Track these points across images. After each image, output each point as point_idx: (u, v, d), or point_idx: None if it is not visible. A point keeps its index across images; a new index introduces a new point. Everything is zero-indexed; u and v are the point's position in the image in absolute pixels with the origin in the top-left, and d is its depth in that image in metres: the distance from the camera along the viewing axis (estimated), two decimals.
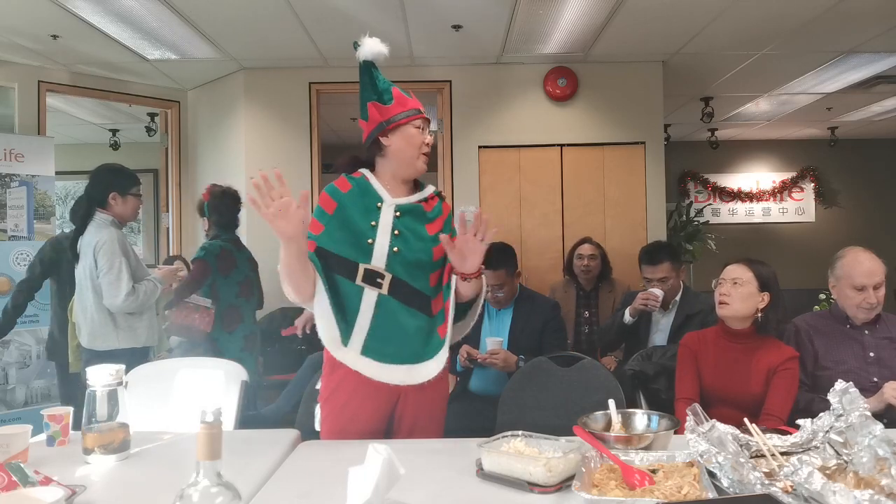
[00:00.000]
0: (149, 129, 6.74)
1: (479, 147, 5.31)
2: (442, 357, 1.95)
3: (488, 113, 5.34)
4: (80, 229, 3.23)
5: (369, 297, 1.91)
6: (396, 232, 1.93)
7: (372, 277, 1.90)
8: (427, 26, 4.45)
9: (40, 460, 1.64)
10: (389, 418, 1.99)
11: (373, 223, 1.92)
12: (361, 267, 1.90)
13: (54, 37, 4.48)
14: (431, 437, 1.99)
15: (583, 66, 5.28)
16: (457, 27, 4.49)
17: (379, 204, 1.96)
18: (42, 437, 1.81)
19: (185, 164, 5.84)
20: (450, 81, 5.31)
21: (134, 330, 3.18)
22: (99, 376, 1.68)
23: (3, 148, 4.70)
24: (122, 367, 1.73)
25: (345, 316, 1.91)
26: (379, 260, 1.91)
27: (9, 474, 1.34)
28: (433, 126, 1.83)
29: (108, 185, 3.21)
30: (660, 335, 3.43)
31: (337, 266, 1.91)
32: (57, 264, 3.78)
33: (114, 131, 7.37)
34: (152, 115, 6.55)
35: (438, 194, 2.10)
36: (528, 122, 5.33)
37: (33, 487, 1.32)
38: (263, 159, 5.32)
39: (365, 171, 2.03)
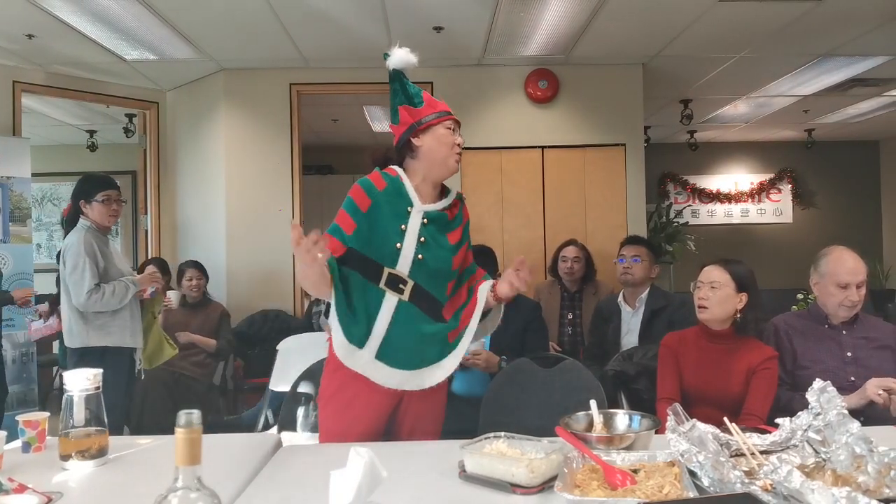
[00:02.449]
0: (127, 131, 6.66)
1: (462, 148, 5.31)
2: (451, 361, 1.98)
3: (470, 115, 5.34)
4: (65, 236, 3.34)
5: (390, 301, 1.91)
6: (422, 239, 1.93)
7: (395, 283, 1.90)
8: (408, 28, 4.45)
9: (15, 467, 1.61)
10: (390, 419, 1.99)
11: (402, 227, 1.92)
12: (385, 271, 1.90)
13: (30, 36, 4.41)
14: (431, 438, 2.00)
15: (564, 69, 5.31)
16: (438, 29, 4.50)
17: (409, 208, 1.96)
18: (17, 443, 1.78)
19: (164, 166, 5.78)
20: (431, 83, 5.30)
21: (105, 329, 3.22)
22: (76, 381, 1.65)
23: None
24: (100, 371, 1.70)
25: (359, 320, 1.91)
26: (403, 266, 1.91)
27: None
28: None
29: (77, 193, 3.31)
30: (631, 335, 3.48)
31: (362, 267, 1.91)
32: None
33: (91, 132, 7.28)
34: (130, 117, 6.47)
35: (460, 197, 2.11)
36: (510, 123, 5.35)
37: (7, 496, 1.30)
38: (244, 161, 5.29)
39: (399, 171, 2.02)
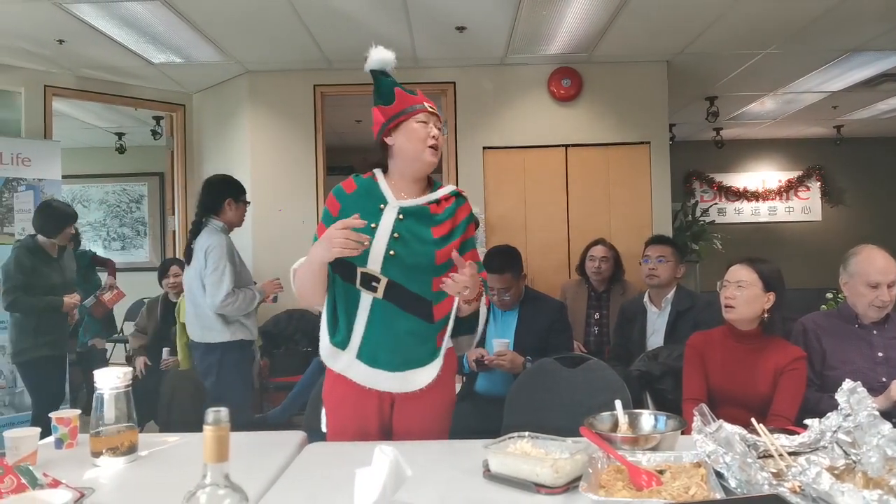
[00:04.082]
0: (154, 133, 6.76)
1: (484, 148, 5.31)
2: (434, 366, 1.94)
3: (493, 114, 5.34)
4: (194, 233, 3.48)
5: (365, 300, 1.90)
6: (396, 235, 1.90)
7: (368, 281, 1.89)
8: (431, 28, 4.46)
9: (49, 463, 1.65)
10: (388, 419, 1.98)
11: (373, 225, 1.90)
12: (358, 270, 1.89)
13: (60, 41, 4.50)
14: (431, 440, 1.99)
15: (587, 67, 5.27)
16: (460, 29, 4.50)
17: (382, 206, 1.94)
18: (50, 439, 1.82)
19: (191, 168, 5.86)
20: (454, 83, 5.31)
21: (243, 324, 3.45)
22: (107, 379, 1.68)
23: (10, 152, 4.73)
24: (130, 369, 1.73)
25: (341, 322, 1.93)
26: (375, 263, 1.89)
27: (18, 477, 1.35)
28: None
29: (223, 193, 3.47)
30: (656, 335, 3.44)
31: (340, 269, 1.91)
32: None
33: (119, 135, 7.40)
34: (158, 119, 6.57)
35: (458, 195, 2.05)
36: (533, 122, 5.33)
37: (42, 490, 1.33)
38: (269, 162, 5.34)
39: (376, 171, 2.02)
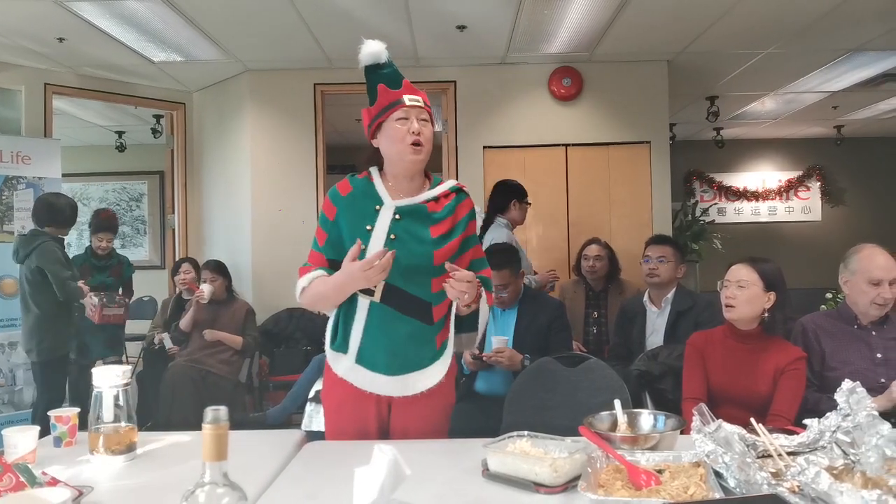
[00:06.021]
0: (154, 131, 6.76)
1: (484, 147, 5.31)
2: (438, 368, 1.91)
3: (493, 113, 5.34)
4: (484, 228, 3.89)
5: (363, 305, 1.87)
6: (393, 236, 1.85)
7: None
8: (432, 27, 4.46)
9: (47, 461, 1.65)
10: (386, 421, 1.96)
11: (368, 227, 1.86)
12: None
13: (60, 39, 4.50)
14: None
15: (588, 66, 5.27)
16: (461, 28, 4.50)
17: (378, 206, 1.89)
18: (49, 438, 1.82)
19: (191, 166, 5.86)
20: (454, 82, 5.31)
21: None
22: (106, 377, 1.68)
23: (10, 150, 4.73)
24: (129, 368, 1.73)
25: (340, 326, 1.91)
26: None
27: (17, 475, 1.34)
28: (438, 126, 1.70)
29: (509, 195, 4.00)
30: (656, 335, 3.44)
31: None
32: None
33: (119, 133, 7.40)
34: (158, 117, 6.57)
35: (458, 190, 1.99)
36: (533, 122, 5.33)
37: (41, 488, 1.33)
38: (269, 160, 5.34)
39: (373, 170, 1.97)
